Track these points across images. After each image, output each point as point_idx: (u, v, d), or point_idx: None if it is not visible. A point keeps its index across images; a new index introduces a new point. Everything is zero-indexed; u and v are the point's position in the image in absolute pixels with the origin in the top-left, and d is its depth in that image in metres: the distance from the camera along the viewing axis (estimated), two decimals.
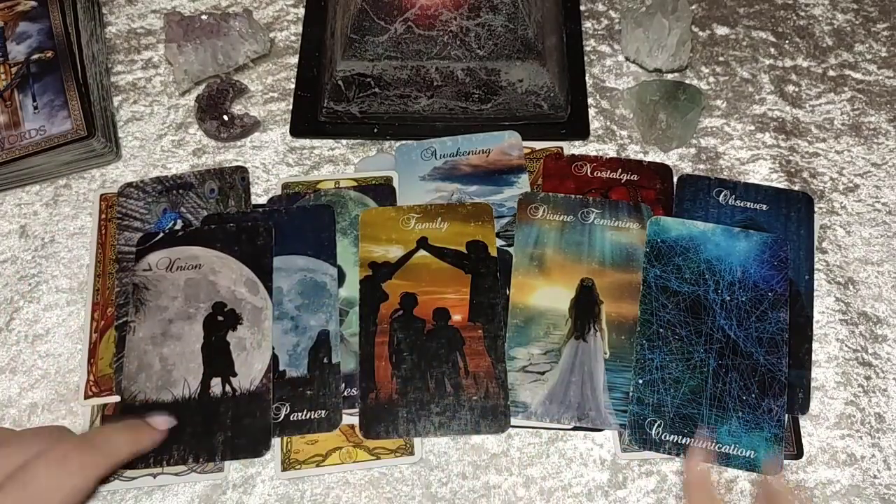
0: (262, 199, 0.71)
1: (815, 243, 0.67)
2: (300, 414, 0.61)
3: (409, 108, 0.71)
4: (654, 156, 0.72)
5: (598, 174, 0.70)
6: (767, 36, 0.79)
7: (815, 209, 0.69)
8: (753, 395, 0.60)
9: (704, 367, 0.61)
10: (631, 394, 0.61)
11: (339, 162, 0.73)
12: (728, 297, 0.63)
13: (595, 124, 0.74)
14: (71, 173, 0.72)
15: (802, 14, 0.80)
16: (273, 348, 0.63)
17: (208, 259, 0.66)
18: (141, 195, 0.70)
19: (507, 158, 0.71)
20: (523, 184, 0.70)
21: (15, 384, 0.65)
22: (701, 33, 0.79)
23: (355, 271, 0.66)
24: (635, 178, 0.70)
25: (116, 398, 0.63)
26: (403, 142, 0.73)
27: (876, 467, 0.61)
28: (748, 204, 0.68)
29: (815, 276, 0.67)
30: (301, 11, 0.80)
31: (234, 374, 0.62)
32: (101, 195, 0.71)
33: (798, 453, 0.61)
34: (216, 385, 0.62)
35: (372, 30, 0.65)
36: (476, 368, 0.62)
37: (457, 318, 0.64)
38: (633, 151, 0.73)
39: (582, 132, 0.73)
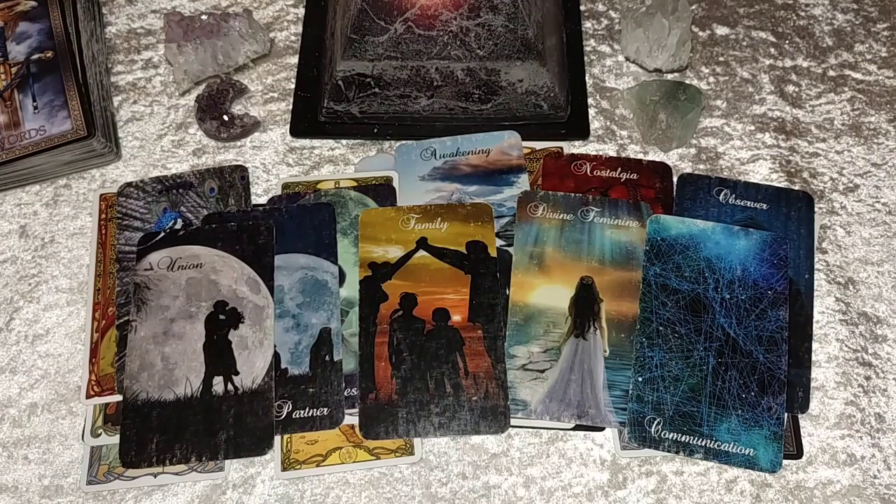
0: (262, 200, 0.71)
1: (816, 243, 0.67)
2: (302, 412, 0.61)
3: (409, 108, 0.71)
4: (655, 156, 0.73)
5: (598, 173, 0.70)
6: (767, 36, 0.79)
7: (815, 209, 0.69)
8: (753, 394, 0.60)
9: (704, 365, 0.61)
10: (630, 392, 0.61)
11: (339, 162, 0.73)
12: (728, 296, 0.63)
13: (595, 124, 0.74)
14: (71, 173, 0.73)
15: (802, 14, 0.80)
16: (275, 346, 0.63)
17: (209, 258, 0.66)
18: (141, 195, 0.70)
19: (507, 158, 0.71)
20: (523, 184, 0.69)
21: (15, 384, 0.65)
22: (701, 33, 0.79)
23: (355, 271, 0.66)
24: (635, 177, 0.70)
25: (118, 397, 0.63)
26: (403, 142, 0.73)
27: (876, 467, 0.61)
28: (748, 203, 0.68)
29: (815, 276, 0.67)
30: (301, 11, 0.80)
31: (236, 373, 0.62)
32: (101, 195, 0.71)
33: (798, 453, 0.61)
34: (218, 384, 0.62)
35: (372, 30, 0.66)
36: (476, 369, 0.62)
37: (456, 318, 0.64)
38: (633, 151, 0.73)
39: (582, 132, 0.73)
